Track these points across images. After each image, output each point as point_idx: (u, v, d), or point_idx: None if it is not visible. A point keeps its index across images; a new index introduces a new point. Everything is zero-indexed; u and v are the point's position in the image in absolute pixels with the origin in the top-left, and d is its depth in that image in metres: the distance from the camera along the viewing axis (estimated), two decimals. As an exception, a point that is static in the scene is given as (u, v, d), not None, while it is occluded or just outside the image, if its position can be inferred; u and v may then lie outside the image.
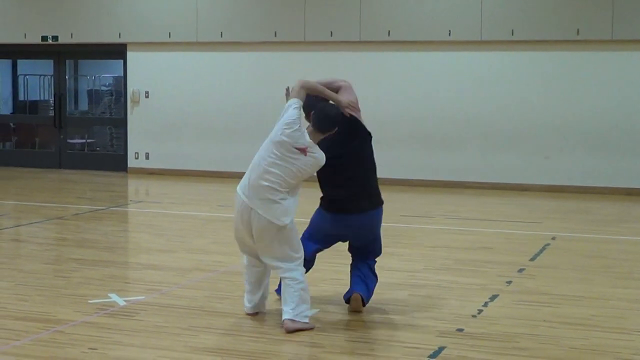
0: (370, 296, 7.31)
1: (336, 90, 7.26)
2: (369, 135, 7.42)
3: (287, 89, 7.18)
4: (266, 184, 6.68)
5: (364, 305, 7.24)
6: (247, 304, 7.09)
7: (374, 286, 7.38)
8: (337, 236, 7.36)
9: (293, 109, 6.75)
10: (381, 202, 7.37)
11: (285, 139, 6.67)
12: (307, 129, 6.88)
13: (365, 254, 7.41)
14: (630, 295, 8.11)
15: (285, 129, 6.69)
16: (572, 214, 13.88)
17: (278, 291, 7.31)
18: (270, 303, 7.47)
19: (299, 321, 6.63)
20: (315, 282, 7.94)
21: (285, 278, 6.74)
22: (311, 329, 6.67)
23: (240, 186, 6.83)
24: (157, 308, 7.33)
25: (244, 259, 7.06)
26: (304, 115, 7.02)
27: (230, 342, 6.36)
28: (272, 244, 6.71)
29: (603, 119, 16.30)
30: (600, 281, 8.76)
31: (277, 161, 6.69)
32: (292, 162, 6.70)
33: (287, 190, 6.74)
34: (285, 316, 6.63)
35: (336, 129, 6.98)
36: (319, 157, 6.79)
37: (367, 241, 7.39)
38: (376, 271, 7.48)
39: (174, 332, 6.61)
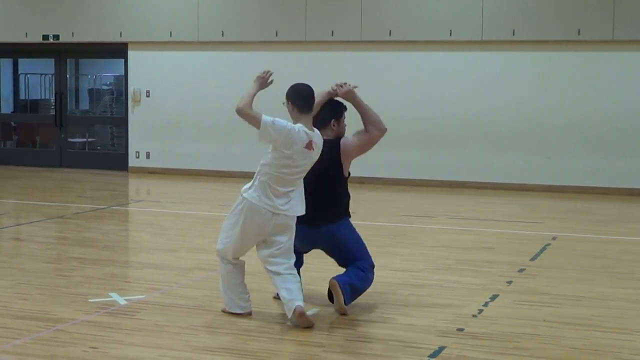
0: (351, 285, 7.17)
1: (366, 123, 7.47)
2: (341, 175, 7.39)
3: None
4: (291, 188, 6.87)
5: (346, 299, 7.11)
6: (242, 304, 7.06)
7: (360, 282, 7.26)
8: (302, 246, 7.44)
9: (276, 121, 6.80)
10: (332, 221, 7.33)
11: (297, 147, 6.74)
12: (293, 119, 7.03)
13: (347, 261, 7.41)
14: (631, 296, 8.11)
15: (290, 137, 6.71)
16: (573, 214, 13.89)
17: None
18: (269, 303, 7.49)
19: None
20: (315, 282, 7.96)
21: (287, 274, 6.83)
22: (313, 324, 6.71)
23: (260, 199, 6.83)
24: (158, 307, 7.34)
25: (228, 266, 7.04)
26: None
27: (230, 341, 6.37)
28: (289, 240, 6.93)
29: (604, 119, 16.31)
30: (601, 281, 8.77)
31: (297, 169, 6.85)
32: (307, 160, 6.90)
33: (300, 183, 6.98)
34: (299, 302, 6.71)
35: (314, 101, 7.16)
36: (319, 141, 6.98)
37: (332, 252, 7.42)
38: (376, 271, 7.46)
39: (175, 331, 6.61)
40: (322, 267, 8.44)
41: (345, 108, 7.54)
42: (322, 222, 7.27)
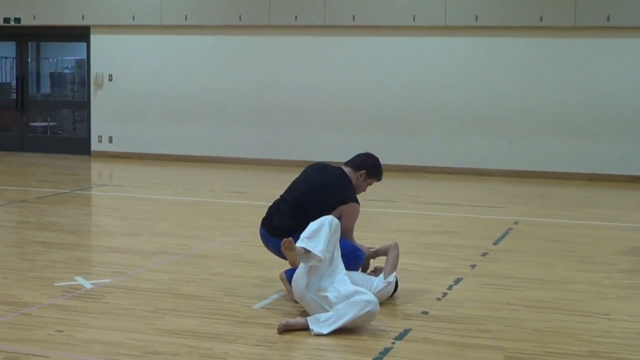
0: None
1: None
2: (339, 201, 7.32)
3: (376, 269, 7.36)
4: None
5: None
6: None
7: None
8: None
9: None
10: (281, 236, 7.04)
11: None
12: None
13: None
14: (591, 279, 8.21)
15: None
16: (535, 199, 14.01)
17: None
18: (235, 286, 7.52)
19: None
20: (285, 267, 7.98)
21: None
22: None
23: None
24: (124, 291, 7.34)
25: None
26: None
27: (196, 324, 6.38)
28: None
29: (565, 105, 16.47)
30: (562, 265, 8.87)
31: None
32: None
33: None
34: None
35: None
36: None
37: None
38: None
39: (141, 314, 6.62)
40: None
41: (378, 179, 7.68)
42: (264, 225, 7.44)
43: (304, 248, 6.45)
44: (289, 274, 7.01)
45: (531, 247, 9.81)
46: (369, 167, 7.52)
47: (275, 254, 7.38)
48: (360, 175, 7.48)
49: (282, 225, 7.23)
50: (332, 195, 7.28)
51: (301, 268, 6.60)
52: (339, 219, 7.02)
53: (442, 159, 17.15)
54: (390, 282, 7.03)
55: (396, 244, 7.27)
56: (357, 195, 7.55)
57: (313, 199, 7.26)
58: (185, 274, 8.04)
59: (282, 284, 7.22)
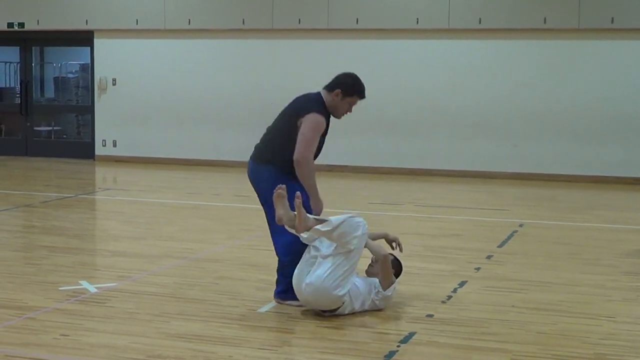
0: (286, 291, 7.04)
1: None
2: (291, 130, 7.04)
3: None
4: None
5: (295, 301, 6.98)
6: None
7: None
8: None
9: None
10: (267, 161, 7.08)
11: None
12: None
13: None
14: (597, 281, 8.20)
15: None
16: (540, 201, 13.99)
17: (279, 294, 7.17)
18: (239, 290, 7.52)
19: None
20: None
21: None
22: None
23: None
24: (129, 295, 7.33)
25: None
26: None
27: (202, 328, 6.38)
28: None
29: (570, 107, 16.45)
30: (568, 267, 8.85)
31: None
32: None
33: None
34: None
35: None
36: None
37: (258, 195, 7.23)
38: None
39: (146, 318, 6.61)
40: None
41: (360, 97, 7.51)
42: (252, 156, 7.30)
43: (315, 217, 6.57)
44: (278, 293, 7.07)
45: (536, 249, 9.79)
46: (343, 85, 7.29)
47: (250, 179, 7.30)
48: (336, 95, 7.23)
49: (257, 148, 7.25)
50: (292, 110, 7.15)
51: (299, 270, 6.68)
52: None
53: (446, 162, 17.13)
54: (389, 296, 6.95)
55: (385, 257, 6.89)
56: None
57: (279, 118, 7.25)
58: (190, 277, 8.03)
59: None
